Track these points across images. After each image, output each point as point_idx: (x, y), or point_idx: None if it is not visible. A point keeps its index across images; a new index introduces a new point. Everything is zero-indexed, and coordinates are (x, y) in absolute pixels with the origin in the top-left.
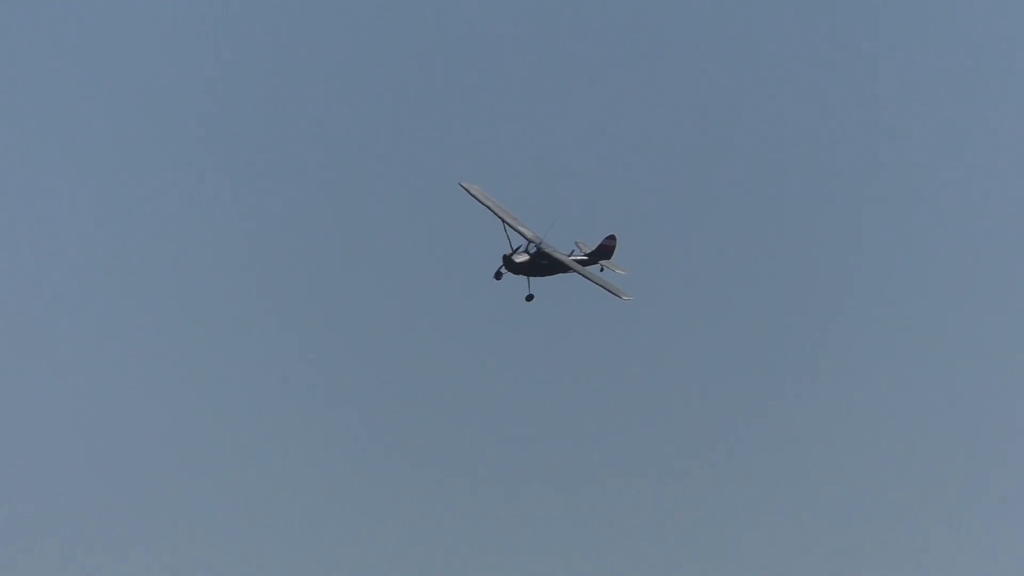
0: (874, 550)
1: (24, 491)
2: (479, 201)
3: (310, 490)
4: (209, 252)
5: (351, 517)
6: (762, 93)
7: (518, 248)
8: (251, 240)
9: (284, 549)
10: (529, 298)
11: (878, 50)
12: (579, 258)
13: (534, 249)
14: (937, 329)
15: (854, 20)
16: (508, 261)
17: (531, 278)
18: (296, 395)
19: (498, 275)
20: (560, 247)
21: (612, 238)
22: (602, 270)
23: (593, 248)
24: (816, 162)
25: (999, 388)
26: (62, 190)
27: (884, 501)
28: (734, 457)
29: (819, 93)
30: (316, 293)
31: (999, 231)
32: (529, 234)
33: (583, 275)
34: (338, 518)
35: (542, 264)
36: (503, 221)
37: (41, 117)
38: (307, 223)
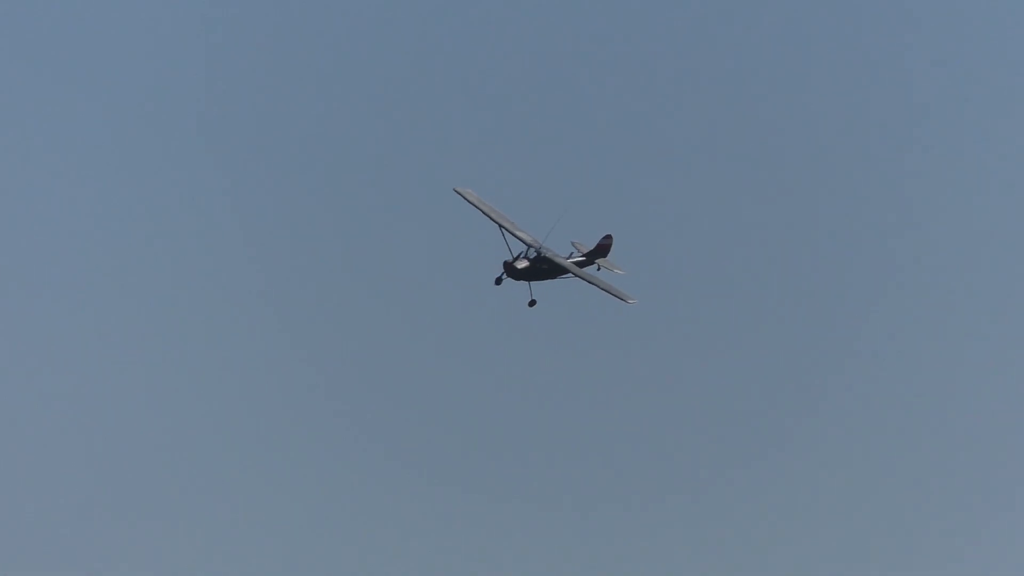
0: (883, 554)
1: (25, 492)
2: (474, 206)
3: (313, 498)
4: (207, 260)
5: (355, 524)
6: (755, 91)
7: (519, 255)
8: (250, 250)
9: (281, 556)
10: (532, 303)
11: (861, 44)
12: (577, 259)
13: (534, 254)
14: (938, 328)
15: (836, 16)
16: (509, 267)
17: (532, 283)
18: (299, 404)
19: (499, 281)
20: (555, 248)
21: (608, 237)
22: (599, 269)
23: (590, 248)
24: (811, 158)
25: (1007, 391)
26: (60, 190)
27: (895, 504)
28: (747, 462)
29: (811, 89)
30: (318, 301)
31: (1004, 233)
32: (528, 238)
33: (586, 280)
34: (340, 525)
35: (542, 268)
36: (499, 226)
37: (40, 117)
38: (306, 231)
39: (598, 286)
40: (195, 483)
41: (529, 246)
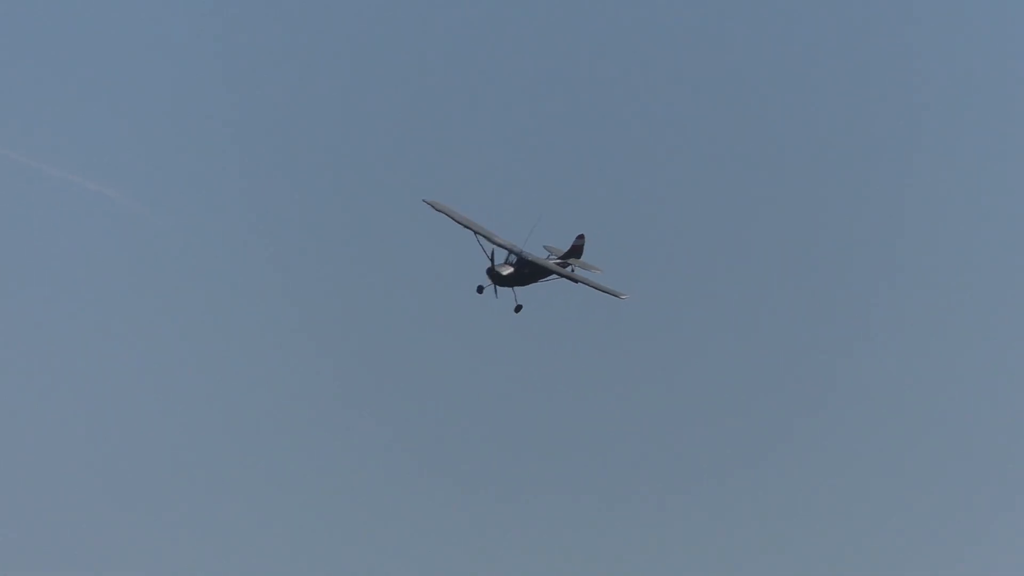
0: (880, 553)
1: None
2: (447, 216)
3: (310, 505)
4: (186, 274)
5: (351, 526)
6: (723, 86)
7: (501, 261)
8: (228, 264)
9: (273, 556)
10: (518, 309)
11: (831, 37)
12: (556, 262)
13: (514, 259)
14: (926, 321)
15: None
16: (494, 274)
17: (516, 288)
18: (294, 413)
19: (480, 289)
20: (532, 252)
21: (581, 238)
22: (573, 270)
23: (565, 251)
24: (783, 149)
25: (1004, 390)
26: (57, 189)
27: (890, 497)
28: (741, 458)
29: (789, 84)
30: (310, 314)
31: (1002, 233)
32: (504, 243)
33: (575, 280)
34: (341, 530)
35: (525, 272)
36: (474, 232)
37: (42, 116)
38: (294, 243)
39: (588, 284)
40: (177, 487)
41: (509, 251)
